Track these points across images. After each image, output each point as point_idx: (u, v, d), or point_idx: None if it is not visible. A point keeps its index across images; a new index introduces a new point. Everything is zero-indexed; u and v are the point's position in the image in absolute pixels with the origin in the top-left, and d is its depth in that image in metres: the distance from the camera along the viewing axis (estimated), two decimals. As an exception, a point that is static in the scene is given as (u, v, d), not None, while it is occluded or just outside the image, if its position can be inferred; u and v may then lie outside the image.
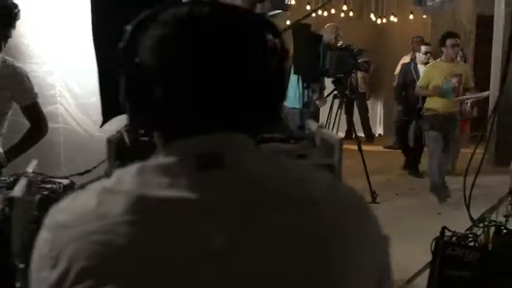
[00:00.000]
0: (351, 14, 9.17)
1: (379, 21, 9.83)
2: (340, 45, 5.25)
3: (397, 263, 3.40)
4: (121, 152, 1.43)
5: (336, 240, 0.75)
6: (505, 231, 2.75)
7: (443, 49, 5.62)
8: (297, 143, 1.58)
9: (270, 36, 0.84)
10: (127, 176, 0.76)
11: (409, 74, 6.90)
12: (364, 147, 7.83)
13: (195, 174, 0.74)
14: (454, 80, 5.59)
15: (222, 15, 0.78)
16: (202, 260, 0.69)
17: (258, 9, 4.00)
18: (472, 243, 2.83)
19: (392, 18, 9.63)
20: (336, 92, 5.26)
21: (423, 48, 6.93)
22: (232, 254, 0.70)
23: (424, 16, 8.62)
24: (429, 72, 5.78)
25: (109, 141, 1.39)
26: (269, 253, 0.71)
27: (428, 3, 5.95)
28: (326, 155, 1.51)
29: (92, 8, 1.90)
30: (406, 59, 8.68)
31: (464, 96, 5.90)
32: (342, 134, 10.09)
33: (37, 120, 2.59)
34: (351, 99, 9.54)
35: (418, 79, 6.71)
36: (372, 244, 0.80)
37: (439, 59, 5.85)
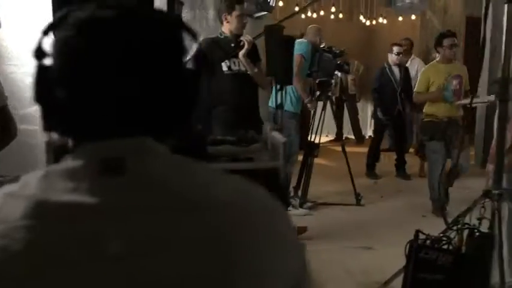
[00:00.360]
0: (341, 15, 9.16)
1: (368, 22, 9.84)
2: (323, 46, 5.25)
3: (378, 265, 3.38)
4: (63, 155, 1.41)
5: (241, 245, 0.73)
6: (477, 233, 2.74)
7: (439, 49, 5.17)
8: (248, 146, 1.56)
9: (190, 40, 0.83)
10: (32, 180, 0.75)
11: (385, 77, 6.86)
12: (354, 149, 7.86)
13: (98, 178, 0.73)
14: (455, 82, 5.12)
15: (126, 18, 0.77)
16: (100, 265, 0.68)
17: (237, 10, 3.99)
18: (446, 246, 2.83)
19: (382, 20, 9.64)
20: (319, 94, 5.24)
21: (395, 49, 6.89)
22: (129, 260, 0.69)
23: (413, 17, 8.63)
24: (427, 75, 5.27)
25: (48, 144, 1.38)
26: (169, 259, 0.70)
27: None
28: (275, 158, 1.50)
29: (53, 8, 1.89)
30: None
31: (465, 101, 4.94)
32: (331, 136, 10.17)
33: (6, 124, 2.59)
34: (340, 101, 9.59)
35: (394, 81, 6.77)
36: (284, 251, 0.79)
37: (434, 61, 5.46)
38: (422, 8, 6.06)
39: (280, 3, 7.85)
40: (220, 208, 0.74)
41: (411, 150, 7.35)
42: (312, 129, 5.34)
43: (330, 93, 5.23)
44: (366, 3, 9.82)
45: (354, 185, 5.48)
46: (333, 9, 8.76)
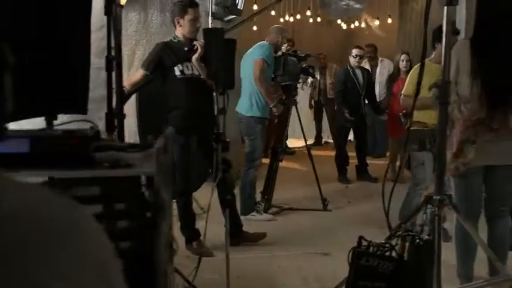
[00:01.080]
0: (319, 19, 9.12)
1: (345, 26, 9.82)
2: (287, 49, 5.18)
3: (333, 272, 3.26)
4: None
5: (19, 260, 0.66)
6: (418, 240, 2.67)
7: (437, 45, 4.38)
8: (137, 152, 1.50)
9: None
10: None
11: (349, 80, 6.83)
12: (333, 153, 7.78)
13: None
14: None
15: None
16: None
17: (190, 13, 3.93)
18: (389, 253, 2.76)
19: (359, 24, 9.61)
20: (283, 98, 5.18)
21: (354, 51, 6.89)
22: None
23: (389, 21, 8.59)
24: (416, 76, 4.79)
25: None
26: None
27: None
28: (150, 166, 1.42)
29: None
30: (367, 64, 8.69)
31: None
32: (311, 140, 10.11)
33: None
34: (319, 105, 9.55)
35: (358, 84, 6.73)
36: (82, 268, 0.71)
37: (427, 59, 4.59)
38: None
39: (255, 7, 7.81)
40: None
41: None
42: (278, 134, 5.28)
43: (295, 97, 5.15)
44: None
45: (320, 190, 5.42)
46: (308, 13, 8.71)
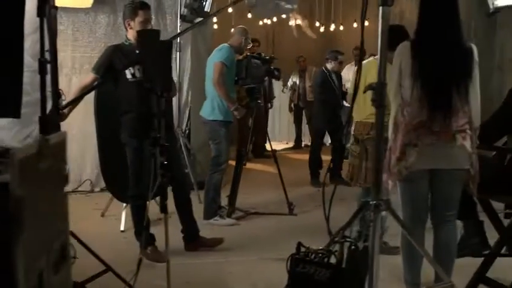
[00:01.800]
0: (298, 22, 9.06)
1: (322, 29, 9.79)
2: (252, 52, 5.12)
3: (284, 278, 3.13)
4: None
5: None
6: (353, 247, 2.61)
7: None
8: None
9: None
10: None
11: (327, 83, 6.81)
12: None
13: None
14: None
15: None
16: None
17: (140, 16, 3.86)
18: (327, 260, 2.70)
19: (335, 27, 9.58)
20: (250, 102, 5.11)
21: (340, 57, 7.00)
22: None
23: (367, 23, 8.50)
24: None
25: None
26: None
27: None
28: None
29: None
30: (349, 67, 8.65)
31: None
32: (291, 144, 10.06)
33: None
34: (299, 108, 9.49)
35: (336, 87, 6.75)
36: None
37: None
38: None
39: (230, 10, 7.75)
40: None
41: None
42: (243, 137, 5.21)
43: (259, 100, 5.08)
44: (325, 11, 9.76)
45: (286, 194, 5.35)
46: (283, 16, 8.64)
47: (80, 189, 6.15)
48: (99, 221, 5.09)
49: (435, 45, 2.85)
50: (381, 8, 2.55)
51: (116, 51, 3.90)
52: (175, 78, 6.36)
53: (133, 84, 3.84)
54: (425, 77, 2.85)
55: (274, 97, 9.18)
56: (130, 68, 3.81)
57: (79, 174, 6.21)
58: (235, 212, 5.25)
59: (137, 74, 3.86)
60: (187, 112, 6.50)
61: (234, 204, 5.13)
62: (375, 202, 2.60)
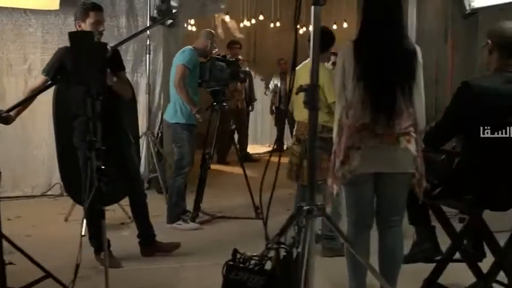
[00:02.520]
0: (278, 24, 9.01)
1: (301, 31, 9.70)
2: (218, 55, 5.06)
3: None
4: None
5: None
6: (284, 253, 2.54)
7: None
8: None
9: None
10: None
11: None
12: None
13: None
14: None
15: None
16: None
17: (91, 17, 3.79)
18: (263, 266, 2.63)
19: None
20: (214, 104, 5.04)
21: (333, 58, 6.91)
22: None
23: (345, 25, 8.48)
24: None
25: None
26: None
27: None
28: None
29: None
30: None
31: None
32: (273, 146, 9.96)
33: None
34: (280, 111, 9.42)
35: None
36: None
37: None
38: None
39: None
40: None
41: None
42: (207, 141, 5.14)
43: (224, 103, 5.01)
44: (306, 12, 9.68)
45: (252, 198, 5.28)
46: (261, 17, 8.59)
47: (49, 193, 6.11)
48: (62, 226, 5.04)
49: (377, 46, 2.79)
50: (312, 7, 2.47)
51: (67, 53, 3.83)
52: (144, 81, 6.32)
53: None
54: (368, 78, 2.78)
55: (256, 100, 9.11)
56: (81, 70, 3.74)
57: (49, 178, 6.16)
58: (202, 216, 5.19)
59: (88, 77, 3.80)
60: (159, 115, 6.43)
61: (198, 208, 5.07)
62: (307, 207, 2.54)
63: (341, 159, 2.86)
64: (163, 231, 4.60)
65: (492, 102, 2.84)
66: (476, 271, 3.22)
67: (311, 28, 2.57)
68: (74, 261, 3.71)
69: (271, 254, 2.66)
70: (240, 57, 8.07)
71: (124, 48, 6.35)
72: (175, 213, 4.86)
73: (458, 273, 3.34)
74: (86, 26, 3.78)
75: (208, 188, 5.39)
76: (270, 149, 10.01)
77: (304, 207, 2.54)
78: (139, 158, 6.15)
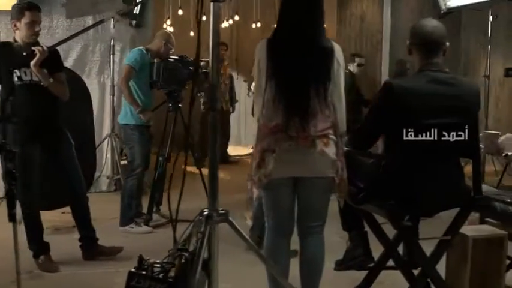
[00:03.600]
0: (259, 24, 8.91)
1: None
2: (180, 56, 4.95)
3: None
4: None
5: None
6: (184, 260, 2.44)
7: None
8: None
9: None
10: None
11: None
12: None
13: None
14: None
15: None
16: None
17: (27, 17, 3.72)
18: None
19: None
20: (170, 105, 4.95)
21: (357, 60, 6.95)
22: None
23: (325, 25, 8.34)
24: None
25: None
26: None
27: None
28: None
29: None
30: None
31: None
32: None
33: None
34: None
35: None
36: None
37: None
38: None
39: (180, 12, 7.63)
40: None
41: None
42: (163, 142, 5.05)
43: (180, 104, 4.91)
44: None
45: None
46: (237, 18, 8.49)
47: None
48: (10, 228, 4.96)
49: (291, 45, 2.68)
50: (212, 4, 2.37)
51: (3, 49, 3.76)
52: (109, 82, 6.26)
53: (20, 88, 3.69)
54: (279, 77, 2.68)
55: (237, 101, 9.00)
56: (16, 70, 3.68)
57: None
58: (159, 219, 5.11)
59: (24, 77, 3.73)
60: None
61: (151, 211, 4.98)
62: (206, 212, 2.45)
63: (257, 162, 2.76)
64: (116, 234, 4.53)
65: (414, 103, 2.73)
66: (410, 279, 3.10)
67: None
68: (9, 265, 3.68)
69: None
70: (225, 62, 8.00)
71: (91, 50, 6.32)
72: (128, 216, 4.78)
73: (395, 281, 3.23)
74: (21, 25, 3.72)
75: (177, 190, 5.28)
76: (252, 151, 9.89)
77: (204, 213, 2.46)
78: (106, 159, 6.10)
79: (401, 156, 2.79)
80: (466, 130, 2.77)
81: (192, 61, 4.97)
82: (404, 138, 2.73)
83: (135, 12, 5.67)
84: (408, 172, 2.79)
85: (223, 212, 2.46)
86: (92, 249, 4.06)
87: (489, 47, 6.43)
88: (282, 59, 2.69)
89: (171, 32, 5.21)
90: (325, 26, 2.83)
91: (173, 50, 4.96)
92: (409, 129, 2.73)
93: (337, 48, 2.75)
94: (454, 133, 2.76)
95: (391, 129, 2.78)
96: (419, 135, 2.74)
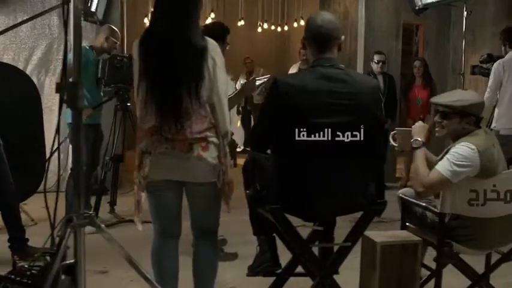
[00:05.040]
0: (242, 22, 8.81)
1: (279, 29, 9.53)
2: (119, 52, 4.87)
3: None
4: None
5: None
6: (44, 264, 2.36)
7: None
8: None
9: None
10: None
11: None
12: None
13: None
14: None
15: None
16: None
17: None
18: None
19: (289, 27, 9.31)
20: (117, 104, 4.87)
21: (376, 57, 6.75)
22: None
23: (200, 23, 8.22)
24: None
25: None
26: None
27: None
28: None
29: None
30: (294, 67, 8.32)
31: None
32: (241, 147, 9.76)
33: None
34: (246, 110, 9.19)
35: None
36: None
37: None
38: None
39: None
40: None
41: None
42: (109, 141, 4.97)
43: (128, 103, 4.83)
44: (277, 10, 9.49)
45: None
46: (213, 15, 8.37)
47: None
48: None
49: (161, 44, 2.57)
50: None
51: None
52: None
53: None
54: (150, 77, 2.58)
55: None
56: None
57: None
58: (110, 219, 5.05)
59: None
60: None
61: (97, 211, 4.90)
62: (69, 216, 2.35)
63: (137, 164, 2.67)
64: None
65: (302, 101, 2.58)
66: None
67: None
68: None
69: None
70: None
71: (56, 48, 6.29)
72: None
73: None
74: None
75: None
76: (238, 150, 9.80)
77: (71, 216, 2.37)
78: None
79: (295, 157, 2.65)
80: (362, 130, 2.62)
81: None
82: (297, 138, 2.60)
83: (92, 10, 5.58)
84: (300, 174, 2.65)
85: (87, 214, 2.36)
86: (21, 250, 4.00)
87: (464, 42, 6.19)
88: (152, 59, 2.58)
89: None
90: (200, 23, 2.71)
91: (118, 44, 4.88)
92: (302, 129, 2.60)
93: (212, 46, 2.62)
94: (349, 133, 2.62)
95: (282, 129, 2.63)
96: (312, 136, 2.61)
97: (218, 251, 2.92)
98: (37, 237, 3.92)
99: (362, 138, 2.61)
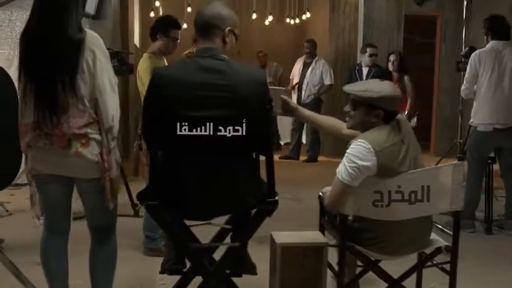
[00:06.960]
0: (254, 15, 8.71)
1: (292, 21, 9.36)
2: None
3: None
4: None
5: None
6: None
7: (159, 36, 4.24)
8: None
9: None
10: None
11: (352, 79, 6.61)
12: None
13: None
14: None
15: None
16: None
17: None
18: None
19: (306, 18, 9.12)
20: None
21: (369, 50, 6.72)
22: None
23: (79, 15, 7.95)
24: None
25: None
26: None
27: None
28: None
29: None
30: (299, 61, 8.16)
31: None
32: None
33: None
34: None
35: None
36: None
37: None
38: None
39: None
40: None
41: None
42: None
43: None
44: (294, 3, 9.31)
45: (129, 196, 5.09)
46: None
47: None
48: None
49: (36, 37, 2.53)
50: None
51: None
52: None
53: None
54: (26, 71, 2.55)
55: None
56: None
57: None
58: (77, 213, 5.06)
59: None
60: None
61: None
62: None
63: (24, 158, 2.67)
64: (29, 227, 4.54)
65: (178, 93, 2.46)
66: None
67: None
68: None
69: None
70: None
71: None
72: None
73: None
74: None
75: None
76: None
77: None
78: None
79: (175, 152, 2.55)
80: (244, 125, 2.47)
81: (115, 53, 4.89)
82: (178, 132, 2.48)
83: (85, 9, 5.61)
84: (179, 170, 2.54)
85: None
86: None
87: (463, 30, 5.85)
88: (28, 52, 2.55)
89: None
90: (79, 15, 2.63)
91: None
92: (183, 123, 2.47)
93: (91, 38, 2.56)
94: (231, 128, 2.47)
95: (162, 123, 2.52)
96: (194, 130, 2.48)
97: (114, 250, 2.86)
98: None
99: (244, 133, 2.46)
